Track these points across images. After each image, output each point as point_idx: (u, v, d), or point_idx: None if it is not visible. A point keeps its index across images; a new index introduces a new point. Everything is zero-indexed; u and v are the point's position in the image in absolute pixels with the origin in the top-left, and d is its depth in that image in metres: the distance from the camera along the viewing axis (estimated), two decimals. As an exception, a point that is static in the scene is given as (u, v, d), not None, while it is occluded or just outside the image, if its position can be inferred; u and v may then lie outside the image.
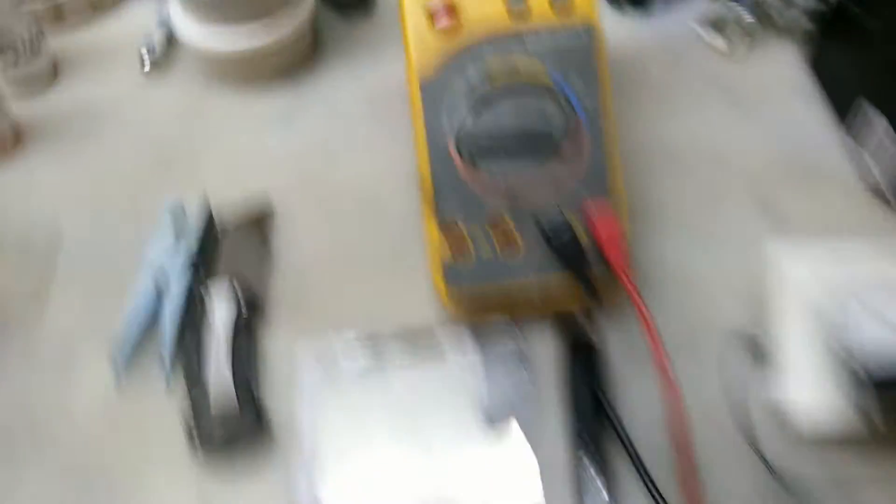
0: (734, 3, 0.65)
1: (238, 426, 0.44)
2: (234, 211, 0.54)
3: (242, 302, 0.49)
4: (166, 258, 0.52)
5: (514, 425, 0.44)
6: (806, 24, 0.62)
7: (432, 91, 0.46)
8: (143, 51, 0.65)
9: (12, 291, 0.52)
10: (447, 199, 0.46)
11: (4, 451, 0.45)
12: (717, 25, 0.64)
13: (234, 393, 0.45)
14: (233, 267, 0.52)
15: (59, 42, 0.66)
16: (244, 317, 0.49)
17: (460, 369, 0.47)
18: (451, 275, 0.45)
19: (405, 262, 0.52)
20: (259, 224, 0.55)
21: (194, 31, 0.60)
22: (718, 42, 0.64)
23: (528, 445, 0.43)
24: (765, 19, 0.63)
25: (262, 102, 0.63)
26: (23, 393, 0.48)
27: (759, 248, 0.48)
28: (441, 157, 0.46)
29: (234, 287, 0.50)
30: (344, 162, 0.58)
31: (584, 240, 0.45)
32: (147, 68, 0.64)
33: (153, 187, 0.57)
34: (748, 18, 0.63)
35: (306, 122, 0.61)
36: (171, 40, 0.66)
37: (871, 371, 0.38)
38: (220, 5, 0.58)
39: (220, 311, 0.48)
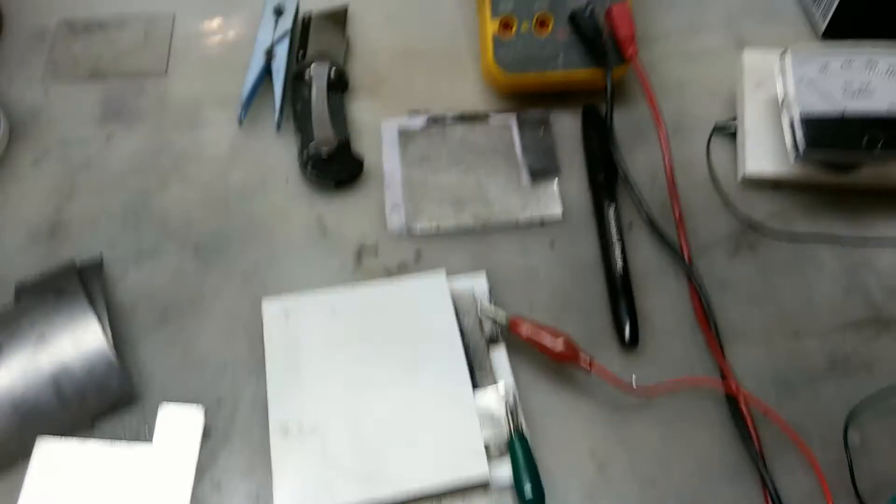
0: None
1: (336, 153, 0.53)
2: (315, 6, 0.62)
3: (332, 70, 0.57)
4: (271, 38, 0.59)
5: (555, 182, 0.54)
6: None
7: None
8: None
9: (140, 61, 0.59)
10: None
11: (156, 175, 0.54)
12: None
13: (332, 130, 0.54)
14: (320, 46, 0.60)
15: None
16: (334, 80, 0.57)
17: (501, 129, 0.56)
18: (498, 46, 0.54)
19: (459, 60, 0.60)
20: (336, 16, 0.62)
21: None
22: None
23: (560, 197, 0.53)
24: None
25: None
26: (160, 133, 0.56)
27: (731, 62, 0.58)
28: None
29: (324, 59, 0.57)
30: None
31: (604, 31, 0.54)
32: None
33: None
34: None
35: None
36: None
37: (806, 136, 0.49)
38: None
39: (317, 75, 0.56)
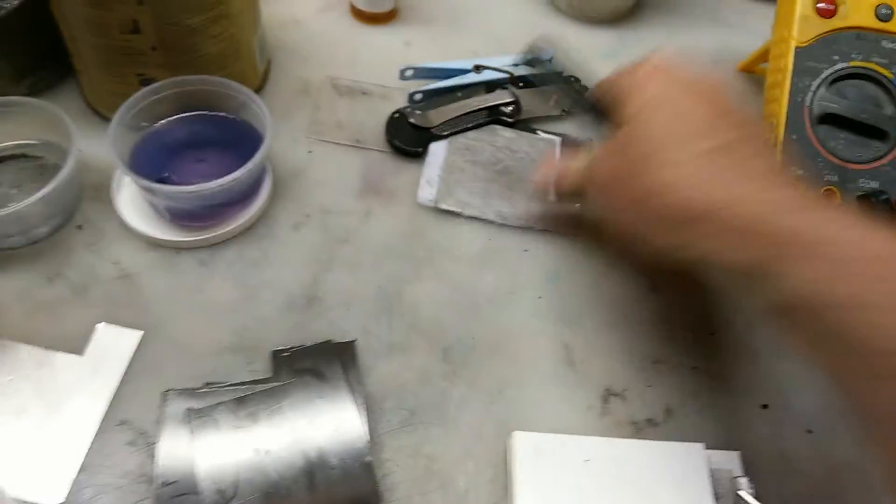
0: None
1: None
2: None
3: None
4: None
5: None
6: None
7: (803, 57, 0.53)
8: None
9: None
10: (793, 152, 0.52)
11: (410, 263, 0.52)
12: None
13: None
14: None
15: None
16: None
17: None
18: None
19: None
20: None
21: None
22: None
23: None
24: None
25: (591, 36, 0.68)
26: (415, 218, 0.54)
27: None
28: (796, 112, 0.53)
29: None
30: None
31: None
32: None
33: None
34: None
35: (625, 62, 0.66)
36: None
37: None
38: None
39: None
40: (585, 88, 0.61)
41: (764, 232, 0.36)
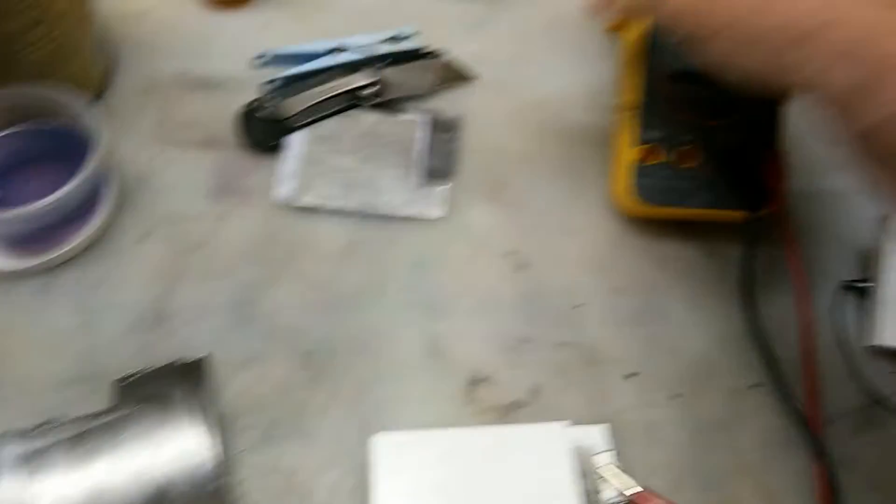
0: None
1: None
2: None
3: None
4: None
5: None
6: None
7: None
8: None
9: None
10: (652, 114, 0.51)
11: (267, 267, 0.50)
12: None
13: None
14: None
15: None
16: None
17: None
18: (638, 175, 0.51)
19: (579, 168, 0.56)
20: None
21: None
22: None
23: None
24: None
25: (458, 8, 0.65)
26: (274, 217, 0.52)
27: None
28: (654, 71, 0.52)
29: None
30: (525, 72, 0.61)
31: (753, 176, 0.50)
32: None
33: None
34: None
35: (493, 33, 0.64)
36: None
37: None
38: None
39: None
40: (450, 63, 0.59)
41: (871, 55, 0.34)
